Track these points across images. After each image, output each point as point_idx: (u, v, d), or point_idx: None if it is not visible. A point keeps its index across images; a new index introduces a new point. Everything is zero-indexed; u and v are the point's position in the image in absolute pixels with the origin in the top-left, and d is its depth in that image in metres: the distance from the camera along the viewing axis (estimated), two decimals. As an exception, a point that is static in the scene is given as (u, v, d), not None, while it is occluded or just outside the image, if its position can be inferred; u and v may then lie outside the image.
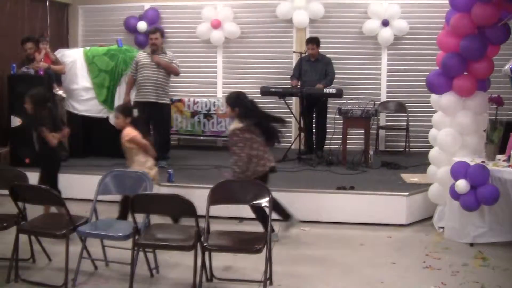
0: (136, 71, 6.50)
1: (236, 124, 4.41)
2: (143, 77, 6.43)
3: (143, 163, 4.69)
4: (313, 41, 7.16)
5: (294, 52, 7.57)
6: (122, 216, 4.56)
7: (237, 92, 4.55)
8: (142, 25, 8.26)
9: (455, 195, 4.54)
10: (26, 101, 4.76)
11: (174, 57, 6.61)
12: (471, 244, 4.60)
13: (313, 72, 7.16)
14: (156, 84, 6.41)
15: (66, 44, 8.44)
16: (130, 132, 4.68)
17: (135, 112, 5.74)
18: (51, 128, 4.73)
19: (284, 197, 5.11)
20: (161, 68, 6.43)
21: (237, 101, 4.43)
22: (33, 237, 4.11)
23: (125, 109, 4.84)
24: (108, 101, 7.10)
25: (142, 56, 6.55)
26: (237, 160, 4.41)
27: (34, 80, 6.52)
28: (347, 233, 5.01)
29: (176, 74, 6.65)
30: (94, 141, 7.17)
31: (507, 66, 5.90)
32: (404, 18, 7.80)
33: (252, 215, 4.75)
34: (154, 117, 6.50)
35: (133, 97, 6.62)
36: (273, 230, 4.43)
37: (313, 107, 7.25)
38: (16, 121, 6.53)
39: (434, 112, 5.22)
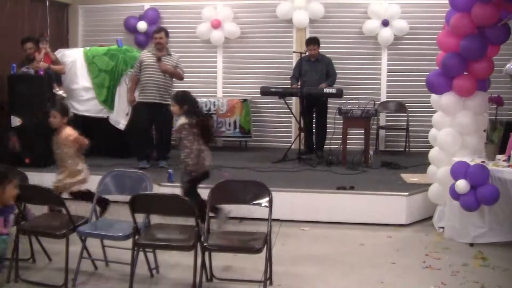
0: (140, 70, 6.49)
1: (183, 120, 4.57)
2: (146, 77, 6.41)
3: (77, 173, 4.65)
4: (314, 42, 7.16)
5: (294, 52, 7.57)
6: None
7: (184, 91, 4.79)
8: (142, 25, 8.25)
9: (455, 195, 4.54)
10: None
11: (180, 60, 6.58)
12: (471, 244, 4.60)
13: (314, 72, 7.16)
14: (159, 84, 6.40)
15: (66, 44, 8.44)
16: (73, 132, 4.60)
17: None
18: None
19: (284, 197, 5.13)
20: None
21: (185, 99, 4.65)
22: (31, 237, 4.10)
23: (63, 109, 4.73)
24: (108, 101, 7.10)
25: (146, 56, 6.51)
26: (189, 153, 4.54)
27: (34, 80, 6.54)
28: (347, 233, 5.00)
29: (181, 79, 6.62)
30: (94, 141, 7.14)
31: (508, 66, 5.90)
32: (404, 18, 7.81)
33: (253, 215, 4.76)
34: (156, 117, 6.50)
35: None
36: (217, 212, 4.52)
37: (313, 107, 7.24)
38: (16, 121, 6.54)
39: (434, 112, 5.21)
